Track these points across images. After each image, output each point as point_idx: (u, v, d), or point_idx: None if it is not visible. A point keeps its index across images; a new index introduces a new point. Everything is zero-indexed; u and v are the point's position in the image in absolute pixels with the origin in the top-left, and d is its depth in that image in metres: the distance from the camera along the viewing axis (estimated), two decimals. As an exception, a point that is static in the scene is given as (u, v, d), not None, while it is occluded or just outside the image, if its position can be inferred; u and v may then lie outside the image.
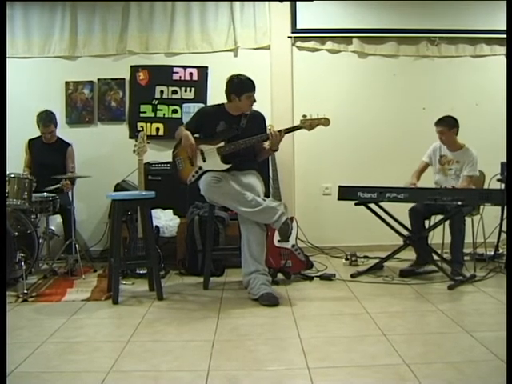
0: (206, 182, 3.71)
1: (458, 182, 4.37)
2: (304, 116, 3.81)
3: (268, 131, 3.89)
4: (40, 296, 3.78)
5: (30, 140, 4.87)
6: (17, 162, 4.78)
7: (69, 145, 4.89)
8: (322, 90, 5.35)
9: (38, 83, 5.26)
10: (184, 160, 3.91)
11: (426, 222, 4.47)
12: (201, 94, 5.29)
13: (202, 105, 5.09)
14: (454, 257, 4.22)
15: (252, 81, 3.81)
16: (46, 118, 4.76)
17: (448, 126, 4.38)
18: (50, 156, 4.77)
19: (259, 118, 3.95)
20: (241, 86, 3.78)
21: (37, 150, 4.84)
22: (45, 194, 4.38)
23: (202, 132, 3.91)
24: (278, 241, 4.14)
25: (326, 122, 3.80)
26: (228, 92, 3.82)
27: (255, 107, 3.95)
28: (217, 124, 3.84)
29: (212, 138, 3.83)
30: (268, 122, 4.15)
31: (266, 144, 3.86)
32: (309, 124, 3.80)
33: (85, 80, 5.30)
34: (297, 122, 3.88)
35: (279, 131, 3.77)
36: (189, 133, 3.83)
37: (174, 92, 5.32)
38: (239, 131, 3.81)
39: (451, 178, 4.42)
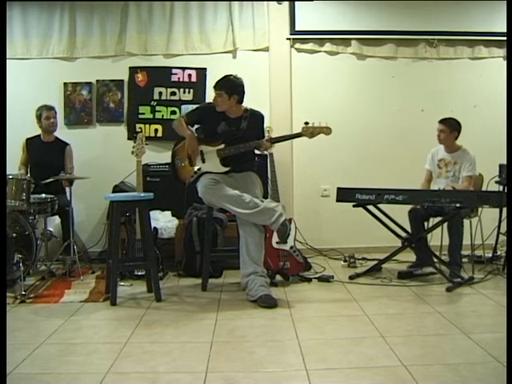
0: (204, 184, 3.71)
1: (456, 184, 4.38)
2: (306, 123, 3.79)
3: (266, 133, 3.97)
4: (38, 297, 3.78)
5: (27, 139, 4.84)
6: (15, 163, 4.77)
7: (67, 144, 4.88)
8: (320, 91, 5.36)
9: (37, 84, 5.25)
10: (183, 160, 3.92)
11: (425, 225, 4.48)
12: (199, 96, 5.29)
13: (201, 107, 5.11)
14: (452, 259, 4.23)
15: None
16: (47, 105, 4.77)
17: (450, 127, 4.42)
18: (48, 155, 4.74)
19: (259, 119, 3.96)
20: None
21: (35, 148, 4.80)
22: (43, 195, 4.38)
23: (202, 126, 3.93)
24: (277, 242, 4.12)
25: (327, 130, 3.80)
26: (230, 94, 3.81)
27: (255, 107, 3.97)
28: (218, 124, 3.85)
29: (213, 139, 3.84)
30: (266, 124, 4.15)
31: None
32: (310, 132, 3.79)
33: (83, 81, 5.30)
34: (295, 124, 3.91)
35: (270, 139, 3.81)
36: (193, 134, 3.85)
37: (173, 93, 5.32)
38: (240, 133, 3.82)
39: (450, 180, 4.43)
